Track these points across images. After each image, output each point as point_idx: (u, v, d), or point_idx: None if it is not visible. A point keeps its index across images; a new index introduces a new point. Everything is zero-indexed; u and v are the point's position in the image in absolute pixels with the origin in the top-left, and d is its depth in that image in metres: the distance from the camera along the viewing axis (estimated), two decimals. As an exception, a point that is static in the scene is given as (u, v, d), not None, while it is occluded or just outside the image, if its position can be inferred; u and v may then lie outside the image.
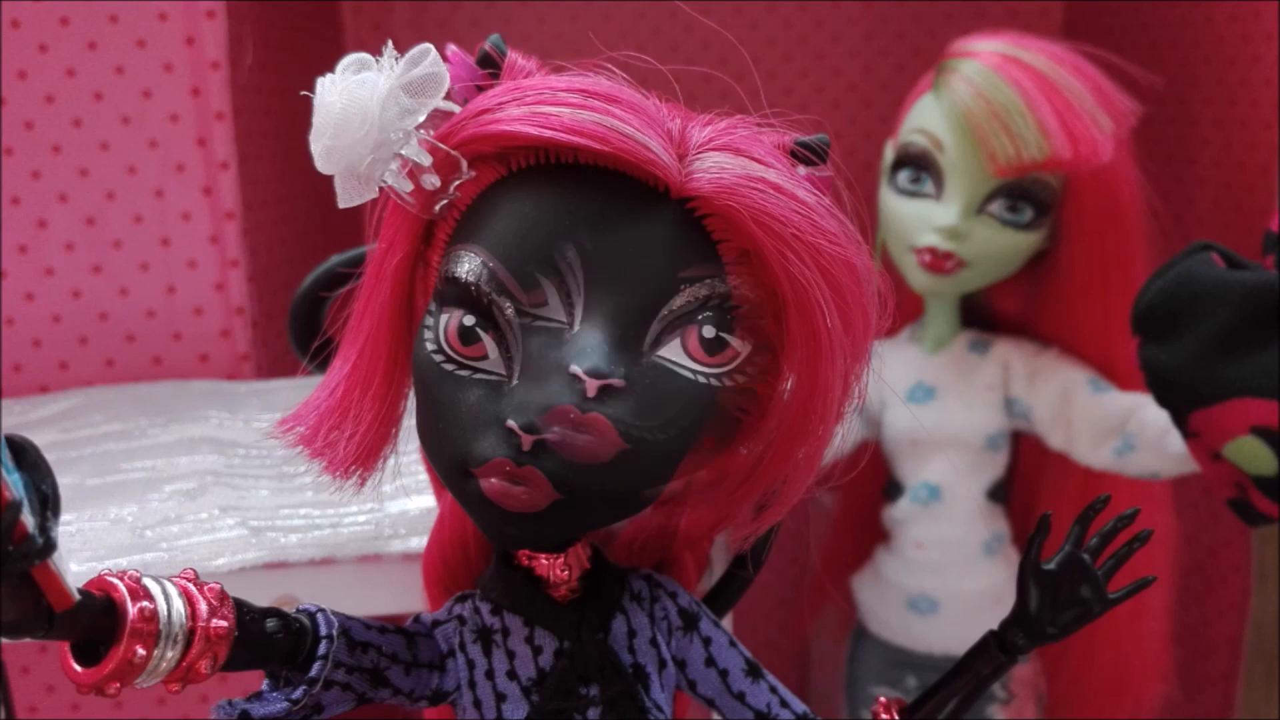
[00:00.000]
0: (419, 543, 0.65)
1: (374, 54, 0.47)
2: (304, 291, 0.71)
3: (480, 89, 0.48)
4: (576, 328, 0.45)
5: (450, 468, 0.47)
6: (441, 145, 0.46)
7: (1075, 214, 0.88)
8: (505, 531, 0.48)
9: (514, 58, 0.50)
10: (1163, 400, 0.69)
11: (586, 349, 0.44)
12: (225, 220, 0.95)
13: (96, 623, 0.40)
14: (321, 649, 0.47)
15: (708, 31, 0.48)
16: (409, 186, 0.46)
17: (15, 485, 0.36)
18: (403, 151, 0.46)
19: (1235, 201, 0.99)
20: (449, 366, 0.47)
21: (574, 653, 0.51)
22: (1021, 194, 0.86)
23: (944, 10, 1.28)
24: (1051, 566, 0.53)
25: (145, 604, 0.41)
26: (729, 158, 0.46)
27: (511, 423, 0.44)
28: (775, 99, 0.48)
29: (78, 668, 0.41)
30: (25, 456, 0.37)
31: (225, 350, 0.96)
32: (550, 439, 0.44)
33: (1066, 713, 1.00)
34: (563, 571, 0.52)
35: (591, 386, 0.44)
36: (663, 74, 0.49)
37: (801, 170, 0.48)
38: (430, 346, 0.47)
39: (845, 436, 0.49)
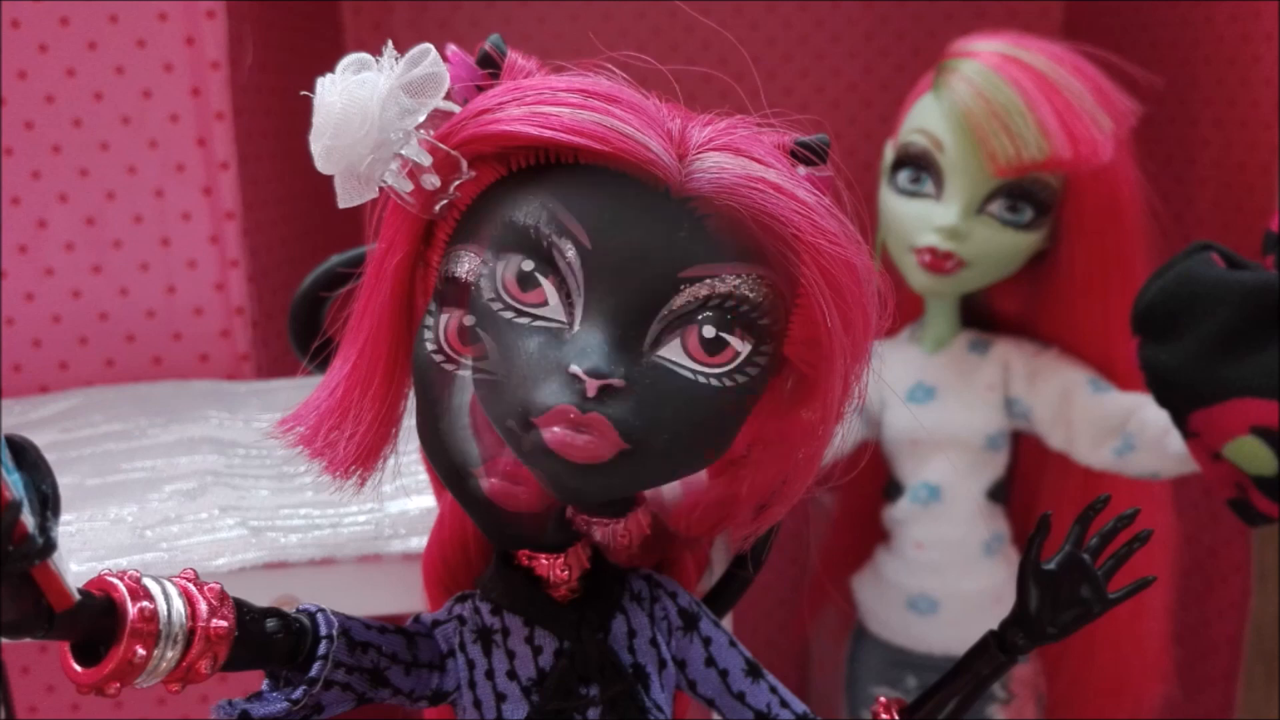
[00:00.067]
0: (419, 543, 0.65)
1: (374, 54, 0.47)
2: (304, 292, 0.71)
3: (480, 89, 0.48)
4: (576, 328, 0.45)
5: (511, 420, 0.47)
6: (441, 145, 0.46)
7: (1075, 214, 0.88)
8: (569, 485, 0.47)
9: (514, 58, 0.50)
10: (1163, 400, 0.69)
11: (586, 349, 0.44)
12: (225, 220, 0.95)
13: (97, 623, 0.40)
14: (321, 649, 0.47)
15: (708, 31, 0.48)
16: (409, 186, 0.46)
17: (15, 485, 0.36)
18: (403, 151, 0.46)
19: (1235, 201, 0.99)
20: (449, 366, 0.47)
21: (574, 653, 0.51)
22: (1021, 194, 0.86)
23: (944, 10, 1.28)
24: (1051, 566, 0.53)
25: (145, 604, 0.41)
26: (729, 158, 0.45)
27: (575, 368, 0.44)
28: (775, 99, 0.48)
29: (78, 668, 0.41)
30: (25, 456, 0.37)
31: (225, 350, 0.96)
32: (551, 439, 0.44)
33: (1066, 713, 1.00)
34: (563, 571, 0.52)
35: (591, 386, 0.44)
36: (663, 74, 0.49)
37: (801, 170, 0.48)
38: (430, 347, 0.47)
39: (845, 436, 0.50)
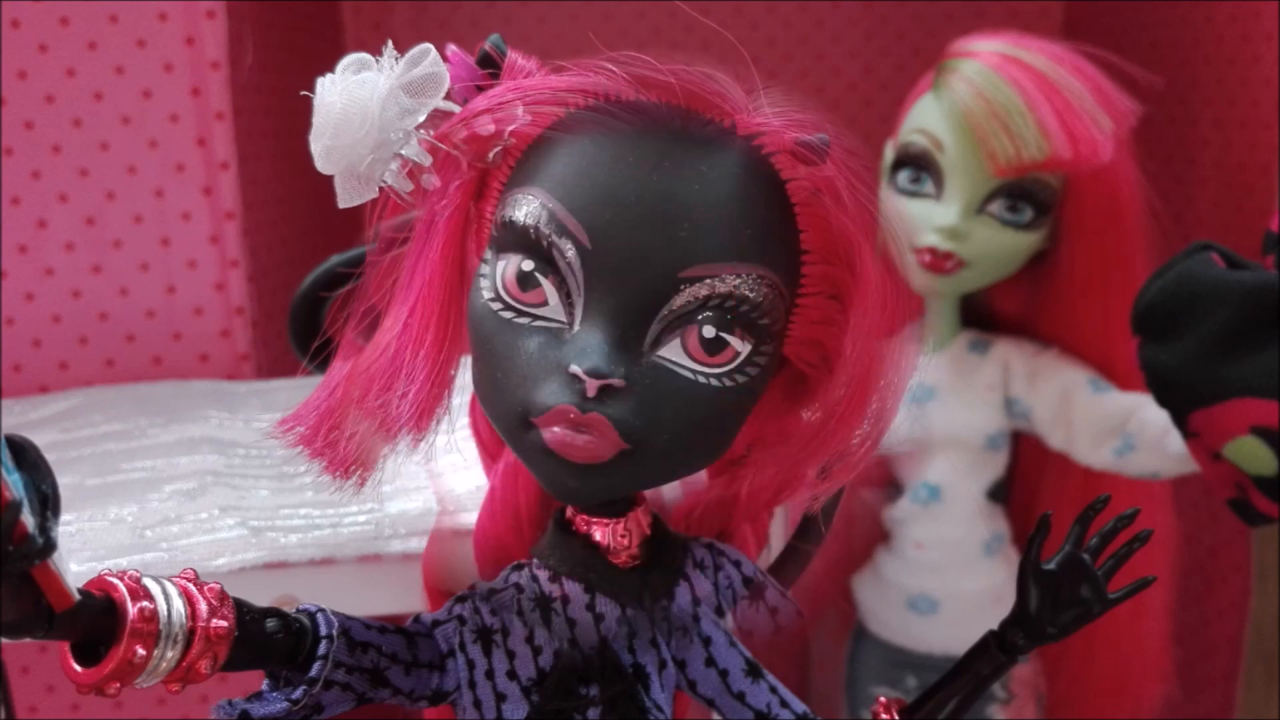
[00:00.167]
0: (419, 543, 0.65)
1: (374, 54, 0.47)
2: (304, 291, 0.71)
3: (480, 89, 0.48)
4: (576, 328, 0.45)
5: (510, 419, 0.46)
6: (441, 144, 0.46)
7: (1075, 214, 0.88)
8: (569, 485, 0.47)
9: (514, 58, 0.49)
10: (1163, 400, 0.69)
11: (586, 349, 0.44)
12: (225, 220, 0.95)
13: (97, 623, 0.40)
14: (321, 649, 0.47)
15: (708, 31, 0.48)
16: (410, 186, 0.46)
17: (15, 485, 0.36)
18: (403, 151, 0.45)
19: (1235, 201, 0.99)
20: (507, 314, 0.46)
21: (573, 655, 0.51)
22: (1022, 194, 0.86)
23: (944, 10, 1.28)
24: (1051, 566, 0.53)
25: (145, 604, 0.41)
26: (790, 107, 0.46)
27: (575, 368, 0.44)
28: (775, 99, 0.48)
29: (78, 668, 0.41)
30: (25, 456, 0.37)
31: (225, 350, 0.96)
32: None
33: (1066, 713, 1.00)
34: (622, 537, 0.51)
35: (591, 386, 0.44)
36: (663, 73, 0.49)
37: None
38: (487, 294, 0.47)
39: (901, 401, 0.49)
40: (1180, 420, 0.68)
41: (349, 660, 0.48)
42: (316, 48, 1.18)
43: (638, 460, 0.46)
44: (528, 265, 0.45)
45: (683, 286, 0.44)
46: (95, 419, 0.85)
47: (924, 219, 0.88)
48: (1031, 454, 0.98)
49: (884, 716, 0.55)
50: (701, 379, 0.46)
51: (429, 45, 0.46)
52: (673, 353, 0.45)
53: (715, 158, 0.44)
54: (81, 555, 0.65)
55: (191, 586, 0.43)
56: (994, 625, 0.55)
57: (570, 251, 0.44)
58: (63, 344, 0.96)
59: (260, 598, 0.47)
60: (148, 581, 0.42)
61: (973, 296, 0.95)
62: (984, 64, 0.84)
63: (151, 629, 0.41)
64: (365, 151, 0.45)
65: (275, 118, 1.04)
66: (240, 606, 0.45)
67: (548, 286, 0.45)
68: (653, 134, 0.45)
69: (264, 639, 0.46)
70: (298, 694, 0.46)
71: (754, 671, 0.54)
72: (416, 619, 0.53)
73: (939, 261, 0.87)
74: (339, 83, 0.46)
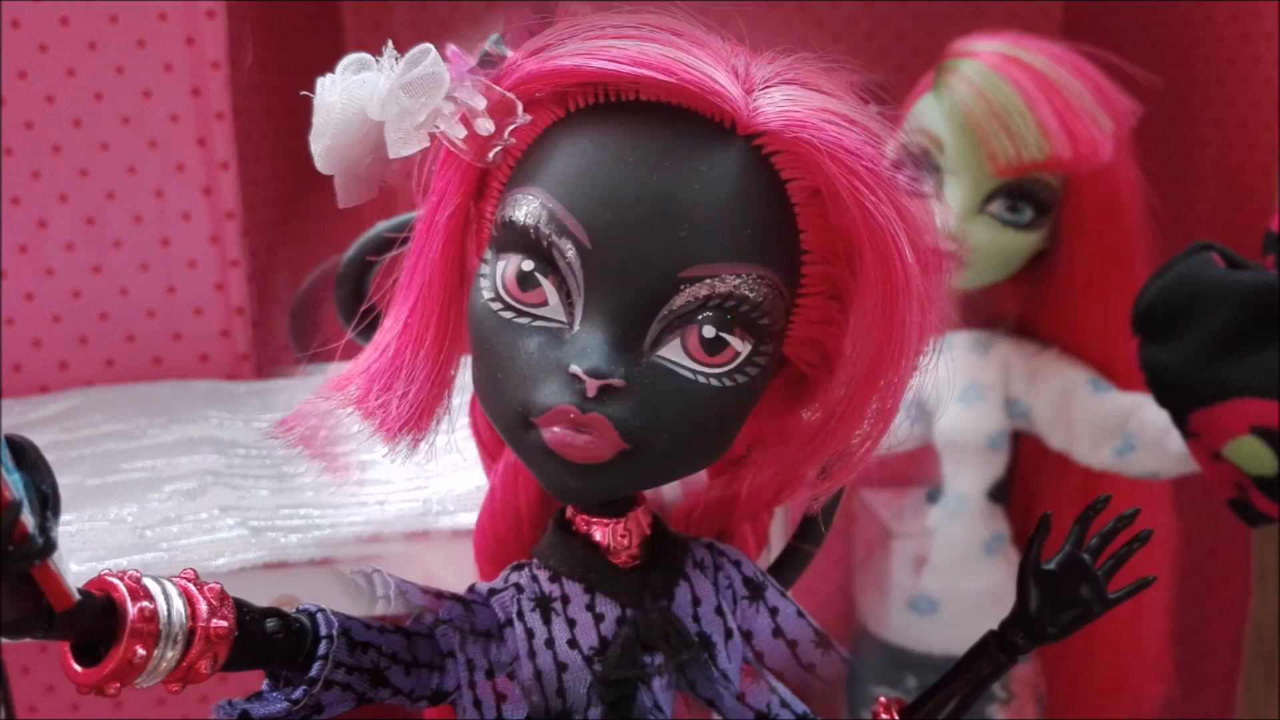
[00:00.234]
0: (468, 519, 0.64)
1: (374, 54, 0.46)
2: (351, 257, 0.70)
3: (531, 33, 0.47)
4: (576, 328, 0.45)
5: (510, 420, 0.46)
6: (496, 87, 0.45)
7: (1075, 214, 0.88)
8: (569, 486, 0.47)
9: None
10: (1163, 400, 0.69)
11: (586, 349, 0.44)
12: (225, 220, 0.95)
13: (96, 623, 0.40)
14: (321, 649, 0.46)
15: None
16: (462, 132, 0.45)
17: (15, 485, 0.36)
18: (456, 95, 0.44)
19: (1235, 201, 0.99)
20: (507, 314, 0.46)
21: (638, 620, 0.50)
22: (1022, 194, 0.86)
23: (944, 10, 1.28)
24: (1051, 566, 0.53)
25: (145, 604, 0.41)
26: (797, 90, 0.45)
27: (575, 368, 0.44)
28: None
29: (78, 668, 0.41)
30: (25, 456, 0.37)
31: (225, 350, 0.96)
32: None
33: (1066, 713, 1.00)
34: (622, 537, 0.51)
35: (591, 386, 0.44)
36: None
37: (873, 107, 0.46)
38: (487, 294, 0.46)
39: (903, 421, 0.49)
40: (1180, 420, 0.68)
41: (349, 660, 0.47)
42: (316, 47, 1.18)
43: (638, 460, 0.46)
44: (528, 265, 0.45)
45: (683, 286, 0.44)
46: (95, 419, 0.85)
47: (923, 219, 0.88)
48: (1031, 454, 0.97)
49: (884, 716, 0.55)
50: (701, 379, 0.45)
51: (429, 45, 0.46)
52: (673, 353, 0.45)
53: (715, 158, 0.44)
54: (81, 555, 0.65)
55: (191, 586, 0.43)
56: (994, 625, 0.55)
57: (570, 251, 0.44)
58: (63, 344, 0.96)
59: (260, 598, 0.47)
60: (148, 581, 0.42)
61: (973, 296, 0.95)
62: (984, 64, 0.84)
63: (151, 629, 0.41)
64: (365, 152, 0.45)
65: (276, 117, 1.04)
66: (240, 606, 0.45)
67: (548, 286, 0.45)
68: (653, 134, 0.44)
69: (264, 639, 0.45)
70: (298, 694, 0.46)
71: (824, 643, 0.53)
72: (472, 588, 0.52)
73: (937, 262, 0.87)
74: (339, 83, 0.46)
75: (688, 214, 0.44)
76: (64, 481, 0.38)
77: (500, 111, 0.45)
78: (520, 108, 0.45)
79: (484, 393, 0.48)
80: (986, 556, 0.95)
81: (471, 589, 0.52)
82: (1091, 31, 1.19)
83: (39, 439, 0.38)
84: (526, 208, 0.45)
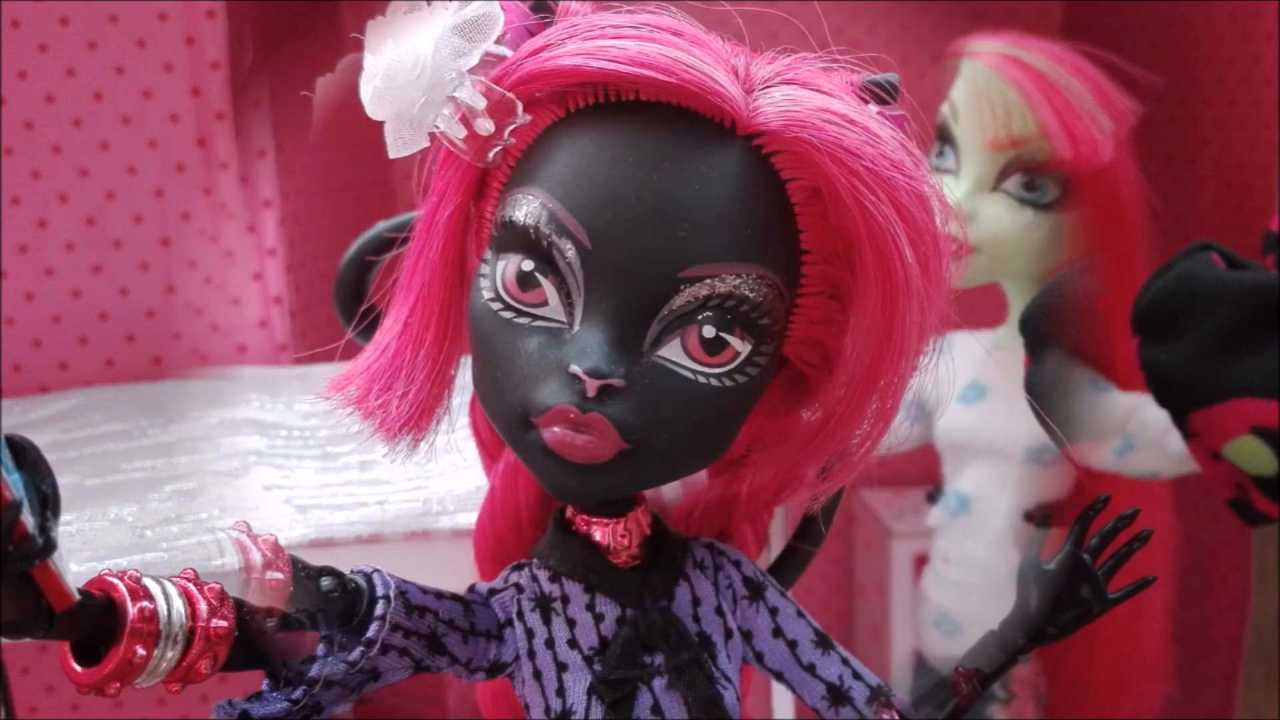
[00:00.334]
0: (469, 519, 0.64)
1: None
2: (350, 257, 0.70)
3: (531, 33, 0.47)
4: (576, 328, 0.45)
5: (510, 420, 0.46)
6: (496, 87, 0.45)
7: (1075, 214, 0.87)
8: (569, 486, 0.47)
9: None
10: (1163, 400, 0.69)
11: (586, 349, 0.44)
12: (263, 209, 0.94)
13: (97, 623, 0.40)
14: (379, 609, 0.46)
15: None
16: (463, 132, 0.45)
17: (15, 485, 0.36)
18: (456, 95, 0.44)
19: (1235, 201, 0.99)
20: (507, 314, 0.46)
21: (637, 620, 0.50)
22: (1039, 168, 0.81)
23: (943, 10, 1.28)
24: (1051, 566, 0.53)
25: (145, 604, 0.41)
26: (797, 90, 0.44)
27: (575, 368, 0.44)
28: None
29: (78, 668, 0.41)
30: (25, 456, 0.37)
31: (263, 340, 0.96)
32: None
33: (1066, 713, 1.00)
34: (622, 537, 0.51)
35: (591, 386, 0.44)
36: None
37: (872, 108, 0.46)
38: (487, 294, 0.46)
39: (906, 418, 0.48)
40: (1180, 420, 0.68)
41: (406, 623, 0.47)
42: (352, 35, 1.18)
43: (638, 460, 0.46)
44: (528, 265, 0.45)
45: (683, 286, 0.44)
46: (95, 419, 0.85)
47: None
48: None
49: (964, 686, 0.53)
50: (701, 379, 0.45)
51: None
52: (673, 353, 0.45)
53: (715, 158, 0.44)
54: (81, 555, 0.65)
55: (191, 586, 0.43)
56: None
57: (570, 251, 0.44)
58: (62, 343, 0.96)
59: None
60: (147, 581, 0.42)
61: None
62: (984, 64, 0.84)
63: (151, 629, 0.41)
64: (417, 94, 0.44)
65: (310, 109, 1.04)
66: (295, 563, 0.44)
67: (548, 286, 0.45)
68: (653, 134, 0.44)
69: (319, 597, 0.44)
70: (355, 655, 0.45)
71: (824, 643, 0.53)
72: (472, 588, 0.52)
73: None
74: (390, 24, 0.45)
75: (688, 214, 0.44)
76: (64, 481, 0.38)
77: (500, 111, 0.45)
78: (520, 108, 0.45)
79: (484, 393, 0.48)
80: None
81: (471, 589, 0.52)
82: (1091, 31, 1.19)
83: (42, 438, 0.38)
84: (526, 208, 0.45)
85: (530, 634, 0.50)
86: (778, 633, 0.52)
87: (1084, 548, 0.53)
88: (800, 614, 0.53)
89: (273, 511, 0.68)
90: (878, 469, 0.50)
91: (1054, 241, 0.85)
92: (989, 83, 0.82)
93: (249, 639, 0.44)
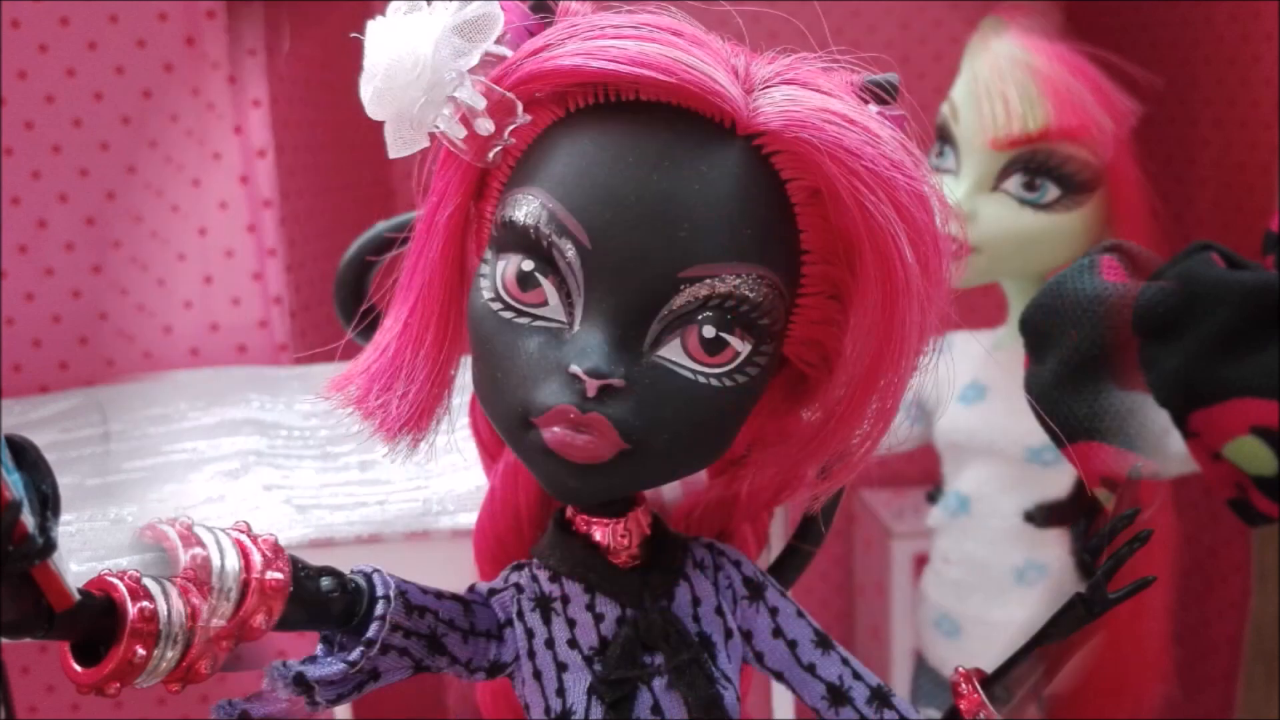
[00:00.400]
0: (469, 519, 0.64)
1: None
2: (350, 257, 0.70)
3: (531, 33, 0.47)
4: (576, 328, 0.45)
5: (510, 420, 0.46)
6: (496, 88, 0.45)
7: (1118, 196, 0.84)
8: (569, 486, 0.47)
9: (566, 4, 0.48)
10: (1162, 400, 0.68)
11: (586, 349, 0.44)
12: (263, 208, 0.94)
13: (97, 623, 0.40)
14: (379, 609, 0.46)
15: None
16: (462, 132, 0.45)
17: (15, 485, 0.36)
18: (456, 95, 0.44)
19: (1235, 201, 0.99)
20: (507, 314, 0.46)
21: (637, 620, 0.50)
22: (1040, 168, 0.81)
23: (944, 9, 1.28)
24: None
25: (145, 604, 0.41)
26: (797, 90, 0.44)
27: (575, 368, 0.44)
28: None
29: (78, 668, 0.41)
30: (25, 456, 0.37)
31: (263, 340, 0.96)
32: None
33: (1067, 713, 1.00)
34: (622, 537, 0.51)
35: (591, 386, 0.44)
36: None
37: (872, 108, 0.46)
38: (487, 294, 0.46)
39: (906, 420, 0.48)
40: (1180, 420, 0.68)
41: (406, 623, 0.46)
42: (350, 38, 1.18)
43: (638, 460, 0.46)
44: (528, 265, 0.45)
45: (683, 286, 0.44)
46: (94, 419, 0.85)
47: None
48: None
49: (964, 687, 0.54)
50: (701, 379, 0.45)
51: None
52: (673, 353, 0.45)
53: (715, 158, 0.44)
54: (81, 555, 0.65)
55: (245, 539, 0.43)
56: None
57: (570, 251, 0.44)
58: (64, 344, 0.96)
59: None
60: (147, 582, 0.42)
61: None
62: (1006, 20, 0.81)
63: (151, 629, 0.41)
64: (418, 94, 0.44)
65: (310, 107, 1.03)
66: (295, 563, 0.44)
67: (548, 286, 0.45)
68: (653, 134, 0.44)
69: (318, 597, 0.44)
70: (355, 655, 0.45)
71: (824, 643, 0.53)
72: (472, 589, 0.52)
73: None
74: (390, 24, 0.45)
75: (688, 214, 0.44)
76: (64, 481, 0.38)
77: (500, 111, 0.45)
78: (520, 108, 0.45)
79: (484, 393, 0.48)
80: (1019, 585, 0.89)
81: (471, 589, 0.52)
82: (1091, 31, 1.19)
83: (39, 439, 0.38)
84: (526, 208, 0.45)
85: (530, 634, 0.50)
86: (778, 633, 0.52)
87: (1085, 548, 0.53)
88: (800, 614, 0.53)
89: (273, 511, 0.68)
90: (878, 469, 0.50)
91: (1054, 241, 0.84)
92: (996, 76, 0.80)
93: (303, 597, 0.44)
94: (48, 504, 0.37)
